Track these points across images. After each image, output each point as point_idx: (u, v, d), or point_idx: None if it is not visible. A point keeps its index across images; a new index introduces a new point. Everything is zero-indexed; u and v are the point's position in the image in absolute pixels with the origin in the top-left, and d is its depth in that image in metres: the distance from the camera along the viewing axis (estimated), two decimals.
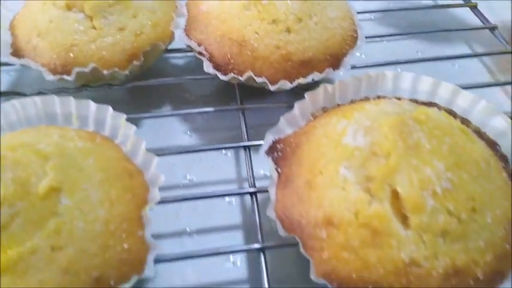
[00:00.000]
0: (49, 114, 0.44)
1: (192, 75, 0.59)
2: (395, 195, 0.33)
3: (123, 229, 0.35)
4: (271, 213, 0.38)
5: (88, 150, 0.39)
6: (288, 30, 0.51)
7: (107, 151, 0.40)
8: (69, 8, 0.50)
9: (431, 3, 0.82)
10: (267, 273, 0.39)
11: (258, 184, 0.47)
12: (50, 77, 0.49)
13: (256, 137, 0.50)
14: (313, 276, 0.34)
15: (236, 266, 0.45)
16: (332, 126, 0.39)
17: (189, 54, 0.66)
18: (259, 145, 0.49)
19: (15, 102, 0.43)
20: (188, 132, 0.57)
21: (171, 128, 0.58)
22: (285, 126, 0.44)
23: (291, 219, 0.36)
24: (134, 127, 0.42)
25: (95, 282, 0.32)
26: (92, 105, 0.43)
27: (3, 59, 0.51)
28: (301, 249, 0.35)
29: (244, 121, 0.53)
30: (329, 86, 0.46)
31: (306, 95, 0.46)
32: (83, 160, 0.37)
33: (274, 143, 0.43)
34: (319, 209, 0.35)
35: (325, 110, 0.47)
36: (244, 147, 0.50)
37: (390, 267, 0.32)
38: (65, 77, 0.50)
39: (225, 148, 0.53)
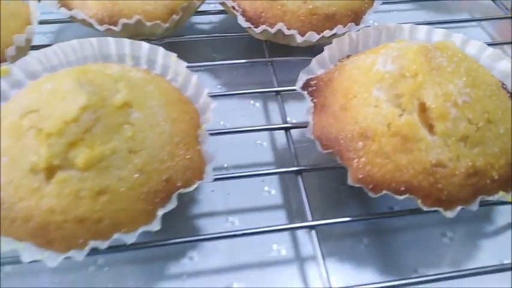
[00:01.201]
0: (104, 54, 0.48)
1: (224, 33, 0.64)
2: (422, 108, 0.38)
3: (185, 142, 0.40)
4: (309, 134, 0.43)
5: (147, 79, 0.43)
6: None
7: (162, 82, 0.45)
8: None
9: None
10: (307, 195, 0.44)
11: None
12: (98, 26, 0.54)
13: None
14: (350, 182, 0.40)
15: (271, 194, 0.50)
16: (362, 61, 0.45)
17: (213, 17, 0.71)
18: (291, 91, 0.54)
19: (74, 42, 0.47)
20: (219, 86, 0.63)
21: (203, 82, 0.62)
22: (316, 68, 0.50)
23: (329, 137, 0.42)
24: (185, 63, 0.46)
25: (164, 182, 0.37)
26: (145, 46, 0.48)
27: (53, 10, 0.55)
28: (339, 160, 0.41)
29: (274, 72, 0.58)
30: (353, 34, 0.52)
31: (334, 41, 0.51)
32: (145, 86, 0.42)
33: (308, 80, 0.48)
34: (355, 125, 0.40)
35: (349, 56, 0.52)
36: (276, 92, 0.55)
37: (419, 168, 0.37)
38: (112, 27, 0.54)
39: (259, 93, 0.58)
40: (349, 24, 0.57)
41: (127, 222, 0.36)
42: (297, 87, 0.48)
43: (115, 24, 0.54)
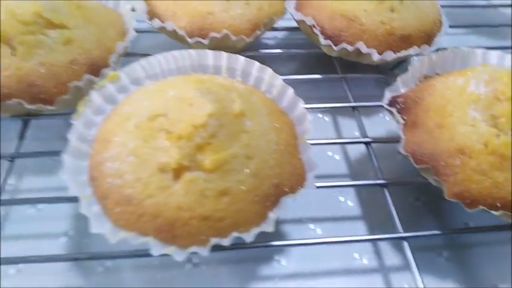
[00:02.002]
0: (202, 65, 0.51)
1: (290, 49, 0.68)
2: None
3: (288, 151, 0.43)
4: (401, 149, 0.46)
5: (249, 90, 0.46)
6: (392, 9, 0.59)
7: (260, 93, 0.48)
8: None
9: (484, 3, 0.92)
10: (395, 207, 0.47)
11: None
12: (188, 39, 0.57)
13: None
14: (446, 196, 0.42)
15: (349, 206, 0.53)
16: (452, 82, 0.47)
17: (278, 33, 0.74)
18: (368, 106, 0.57)
19: (175, 53, 0.51)
20: None
21: None
22: (400, 86, 0.52)
23: (423, 153, 0.44)
24: (280, 77, 0.49)
25: (274, 187, 0.40)
26: (241, 59, 0.51)
27: (144, 20, 0.59)
28: (434, 176, 0.43)
29: (348, 88, 0.61)
30: (433, 55, 0.54)
31: (416, 61, 0.54)
32: (250, 96, 0.45)
33: (394, 97, 0.50)
34: (452, 142, 0.42)
35: (426, 77, 0.55)
36: (353, 107, 0.58)
37: None
38: (201, 40, 0.58)
39: (335, 108, 0.60)
40: (423, 45, 0.60)
41: (243, 223, 0.38)
42: (384, 103, 0.50)
43: (204, 37, 0.58)
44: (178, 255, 0.36)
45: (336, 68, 0.64)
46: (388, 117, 0.63)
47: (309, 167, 0.43)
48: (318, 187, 0.48)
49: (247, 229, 0.38)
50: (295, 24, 0.74)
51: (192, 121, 0.38)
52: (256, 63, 0.51)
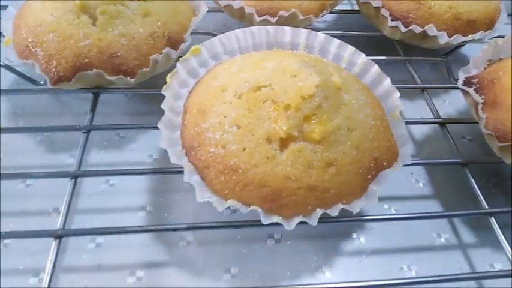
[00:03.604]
0: (278, 42, 0.51)
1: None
2: None
3: (382, 126, 0.42)
4: (483, 128, 0.46)
5: (335, 66, 0.46)
6: None
7: (343, 70, 0.47)
8: None
9: None
10: (477, 184, 0.47)
11: None
12: (257, 17, 0.57)
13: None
14: None
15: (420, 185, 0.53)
16: None
17: (329, 16, 0.74)
18: (438, 88, 0.57)
19: (254, 29, 0.50)
20: None
21: None
22: (471, 68, 0.52)
23: (506, 131, 0.44)
24: (363, 54, 0.49)
25: (374, 161, 0.40)
26: (320, 36, 0.50)
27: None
28: None
29: (414, 70, 0.61)
30: (499, 40, 0.55)
31: (487, 45, 0.54)
32: (340, 71, 0.44)
33: (469, 78, 0.50)
34: None
35: (490, 61, 0.55)
36: (422, 89, 0.58)
37: None
38: (269, 18, 0.57)
39: (405, 88, 0.58)
40: (489, 31, 0.60)
41: (346, 194, 0.38)
42: (459, 84, 0.50)
43: (273, 15, 0.57)
44: (287, 225, 0.36)
45: (398, 51, 0.64)
46: (448, 100, 0.63)
47: (402, 142, 0.43)
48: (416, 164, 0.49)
49: (349, 201, 0.38)
50: (346, 7, 0.74)
51: (300, 92, 0.37)
52: (336, 40, 0.50)
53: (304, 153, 0.37)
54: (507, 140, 0.44)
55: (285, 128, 0.36)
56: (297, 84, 0.38)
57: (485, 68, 0.53)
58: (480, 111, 0.47)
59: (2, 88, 0.56)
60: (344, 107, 0.40)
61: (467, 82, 0.50)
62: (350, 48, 0.49)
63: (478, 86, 0.49)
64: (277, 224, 0.37)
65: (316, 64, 0.41)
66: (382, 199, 0.51)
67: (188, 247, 0.44)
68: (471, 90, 0.49)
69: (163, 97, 0.43)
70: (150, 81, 0.53)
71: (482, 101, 0.48)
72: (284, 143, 0.37)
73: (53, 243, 0.38)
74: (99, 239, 0.44)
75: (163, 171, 0.46)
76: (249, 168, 0.37)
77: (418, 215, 0.44)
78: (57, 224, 0.40)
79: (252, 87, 0.39)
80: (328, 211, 0.37)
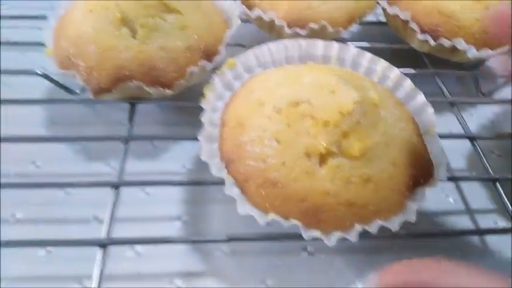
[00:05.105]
0: (310, 54, 0.52)
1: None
2: None
3: (419, 142, 0.43)
4: None
5: (370, 81, 0.47)
6: (487, 7, 0.60)
7: (378, 84, 0.48)
8: None
9: None
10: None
11: None
12: (287, 29, 0.58)
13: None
14: None
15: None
16: None
17: (362, 27, 0.74)
18: (467, 103, 0.57)
19: (286, 42, 0.51)
20: None
21: None
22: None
23: None
24: (396, 68, 0.50)
25: (411, 177, 0.40)
26: (353, 49, 0.51)
27: (241, 9, 0.59)
28: None
29: (443, 83, 0.61)
30: None
31: None
32: (375, 86, 0.45)
33: None
34: None
35: None
36: (451, 103, 0.58)
37: None
38: (298, 30, 0.58)
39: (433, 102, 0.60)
40: None
41: (384, 211, 0.39)
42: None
43: (302, 27, 0.58)
44: (328, 240, 0.37)
45: (425, 64, 0.64)
46: (476, 114, 0.63)
47: (437, 158, 0.43)
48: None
49: (386, 217, 0.39)
50: (372, 19, 0.74)
51: (339, 108, 0.38)
52: (368, 54, 0.51)
53: (343, 169, 0.38)
54: None
55: (324, 144, 0.37)
56: (336, 100, 0.39)
57: None
58: None
59: (38, 97, 0.58)
60: (381, 123, 0.40)
61: None
62: (383, 62, 0.50)
63: None
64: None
65: (353, 79, 0.42)
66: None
67: (224, 257, 0.45)
68: None
69: (198, 108, 0.44)
70: (184, 92, 0.54)
71: None
72: (323, 158, 0.38)
73: (98, 252, 0.40)
74: (138, 247, 0.46)
75: (200, 182, 0.47)
76: (288, 183, 0.38)
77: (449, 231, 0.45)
78: (99, 232, 0.42)
79: (290, 103, 0.40)
80: (367, 227, 0.38)
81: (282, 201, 0.38)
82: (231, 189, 0.39)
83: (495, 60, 0.52)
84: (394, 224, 0.38)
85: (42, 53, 0.53)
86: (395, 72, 0.49)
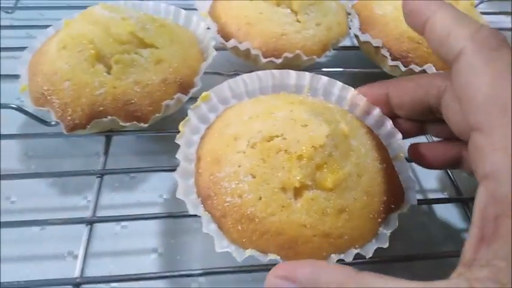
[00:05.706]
0: (284, 84, 0.52)
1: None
2: None
3: (390, 169, 0.44)
4: None
5: (341, 111, 0.48)
6: None
7: (349, 113, 0.49)
8: (278, 4, 0.60)
9: None
10: None
11: None
12: (262, 59, 0.59)
13: None
14: None
15: None
16: None
17: (337, 52, 0.76)
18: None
19: (260, 73, 0.52)
20: None
21: None
22: None
23: None
24: (364, 97, 0.51)
25: (383, 204, 0.41)
26: (324, 79, 0.52)
27: (218, 40, 0.60)
28: None
29: None
30: None
31: None
32: (345, 117, 0.46)
33: None
34: None
35: None
36: None
37: None
38: (274, 59, 0.59)
39: None
40: None
41: (359, 239, 0.39)
42: None
43: (277, 57, 0.59)
44: None
45: None
46: None
47: (407, 183, 0.45)
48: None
49: (361, 245, 0.40)
50: (347, 43, 0.76)
51: (311, 142, 0.39)
52: (338, 83, 0.52)
53: (317, 201, 0.38)
54: None
55: (298, 178, 0.38)
56: (308, 134, 0.40)
57: None
58: None
59: (14, 129, 0.57)
60: (352, 153, 0.41)
61: None
62: (352, 91, 0.51)
63: None
64: None
65: (324, 112, 0.43)
66: None
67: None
68: None
69: (175, 136, 0.44)
70: (160, 122, 0.55)
71: None
72: (298, 191, 0.39)
73: None
74: (114, 283, 0.45)
75: (175, 215, 0.47)
76: (265, 217, 0.38)
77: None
78: (73, 269, 0.41)
79: (264, 137, 0.40)
80: (342, 256, 0.38)
81: (259, 236, 0.38)
82: (208, 226, 0.39)
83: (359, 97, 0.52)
84: (368, 251, 0.39)
85: (17, 84, 0.53)
86: (363, 100, 0.50)
